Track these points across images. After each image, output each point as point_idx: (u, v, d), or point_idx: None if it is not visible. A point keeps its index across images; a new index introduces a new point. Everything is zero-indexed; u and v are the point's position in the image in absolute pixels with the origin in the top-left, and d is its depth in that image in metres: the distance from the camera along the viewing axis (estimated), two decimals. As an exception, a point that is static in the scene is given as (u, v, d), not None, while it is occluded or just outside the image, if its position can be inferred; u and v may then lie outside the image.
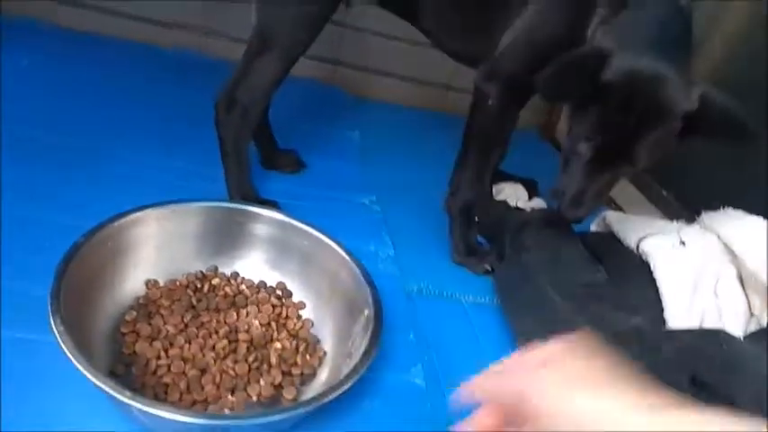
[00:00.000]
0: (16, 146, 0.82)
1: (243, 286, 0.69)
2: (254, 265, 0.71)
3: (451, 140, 0.91)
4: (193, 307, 0.64)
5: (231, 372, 0.58)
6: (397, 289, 0.78)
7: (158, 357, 0.58)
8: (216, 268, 0.70)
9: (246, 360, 0.60)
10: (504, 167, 1.08)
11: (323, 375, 0.62)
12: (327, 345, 0.66)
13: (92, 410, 0.52)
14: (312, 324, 0.67)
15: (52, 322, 0.48)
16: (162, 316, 0.63)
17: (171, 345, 0.60)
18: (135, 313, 0.62)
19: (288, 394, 0.59)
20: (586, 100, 0.67)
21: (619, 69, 0.65)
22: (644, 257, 0.81)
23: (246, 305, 0.67)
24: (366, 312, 0.61)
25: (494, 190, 1.02)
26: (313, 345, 0.65)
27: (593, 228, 0.90)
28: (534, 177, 1.07)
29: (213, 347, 0.60)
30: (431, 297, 0.81)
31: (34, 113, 0.91)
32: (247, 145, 0.83)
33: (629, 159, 0.69)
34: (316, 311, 0.68)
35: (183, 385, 0.56)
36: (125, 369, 0.57)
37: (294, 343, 0.64)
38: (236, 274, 0.70)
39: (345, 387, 0.52)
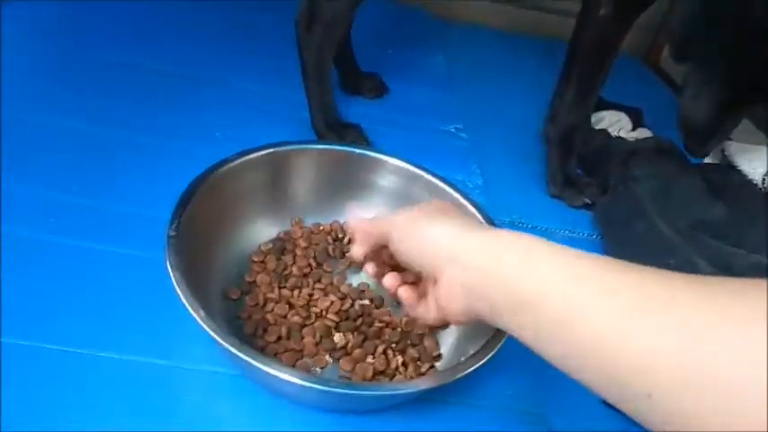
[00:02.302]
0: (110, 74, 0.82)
1: None
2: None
3: (545, 65, 0.83)
4: (329, 255, 0.62)
5: (336, 333, 0.54)
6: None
7: (272, 291, 0.57)
8: None
9: (359, 328, 0.56)
10: (605, 94, 0.99)
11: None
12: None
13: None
14: None
15: (166, 257, 0.46)
16: (294, 255, 0.61)
17: (286, 284, 0.58)
18: (271, 246, 0.61)
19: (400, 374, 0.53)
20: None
21: None
22: (771, 193, 0.72)
23: None
24: None
25: (593, 118, 0.93)
26: (433, 343, 0.56)
27: (707, 159, 0.81)
28: (637, 106, 0.98)
29: (327, 304, 0.56)
30: (523, 230, 0.74)
31: (129, 41, 0.90)
32: (330, 66, 0.78)
33: None
34: None
35: (284, 329, 0.53)
36: (239, 295, 0.56)
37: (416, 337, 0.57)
38: None
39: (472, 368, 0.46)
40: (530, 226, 0.75)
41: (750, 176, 0.74)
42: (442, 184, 0.62)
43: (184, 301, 0.43)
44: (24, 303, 0.50)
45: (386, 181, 0.64)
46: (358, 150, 0.64)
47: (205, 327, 0.42)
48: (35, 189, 0.61)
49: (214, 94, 0.84)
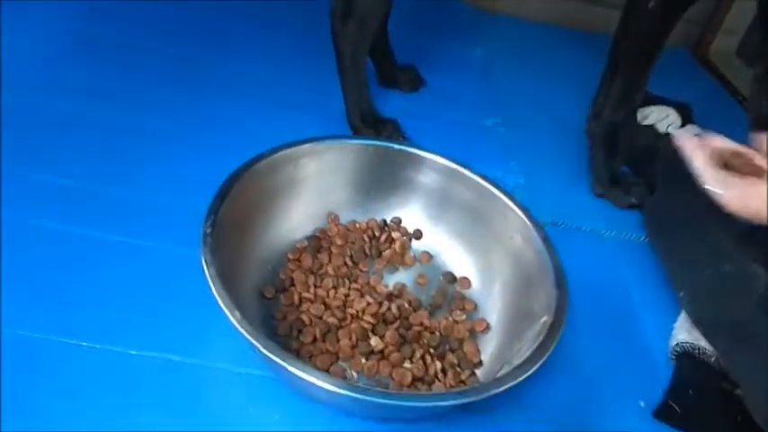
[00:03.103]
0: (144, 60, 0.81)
1: (416, 250, 0.62)
2: (413, 216, 0.63)
3: (587, 59, 0.80)
4: (365, 254, 0.60)
5: (373, 336, 0.52)
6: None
7: (307, 290, 0.55)
8: (400, 221, 0.63)
9: (397, 331, 0.53)
10: (652, 89, 0.95)
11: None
12: (492, 323, 0.56)
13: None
14: (476, 307, 0.58)
15: (201, 254, 0.45)
16: (330, 254, 0.59)
17: (321, 284, 0.56)
18: (306, 243, 0.59)
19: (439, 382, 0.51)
20: None
21: None
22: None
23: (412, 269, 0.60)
24: (544, 316, 0.49)
25: (639, 114, 0.89)
26: (473, 348, 0.54)
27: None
28: (686, 101, 0.93)
29: (363, 305, 0.54)
30: (566, 231, 0.71)
31: (159, 26, 0.89)
32: (365, 59, 0.76)
33: None
34: (481, 284, 0.59)
35: (318, 330, 0.51)
36: (274, 293, 0.54)
37: (454, 343, 0.54)
38: (418, 233, 0.63)
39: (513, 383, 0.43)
40: (573, 227, 0.72)
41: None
42: (484, 183, 0.60)
43: (220, 301, 0.42)
44: (53, 298, 0.50)
45: (427, 178, 0.62)
46: (397, 146, 0.62)
47: (240, 329, 0.41)
48: (65, 181, 0.61)
49: (247, 86, 0.83)
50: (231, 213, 0.50)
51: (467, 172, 0.60)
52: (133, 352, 0.47)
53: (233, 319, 0.41)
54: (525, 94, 0.98)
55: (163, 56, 0.84)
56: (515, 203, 0.58)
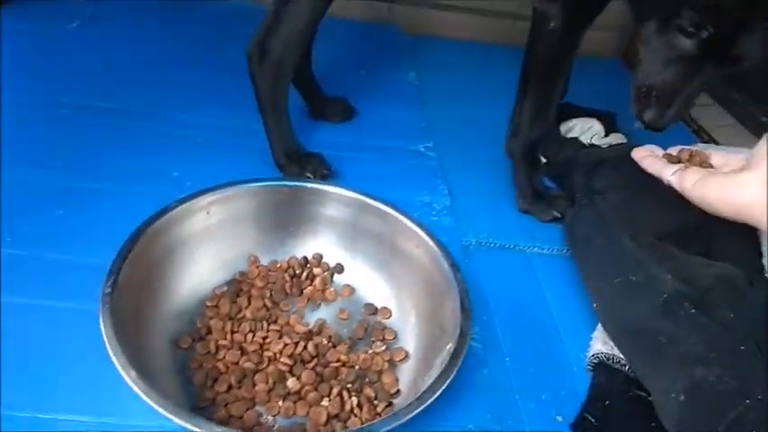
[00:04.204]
0: (62, 114, 0.81)
1: (338, 284, 0.64)
2: (332, 251, 0.65)
3: (517, 76, 0.82)
4: (286, 293, 0.61)
5: (290, 377, 0.53)
6: (452, 242, 0.71)
7: (224, 337, 0.55)
8: (321, 257, 0.64)
9: (314, 370, 0.54)
10: (583, 99, 0.97)
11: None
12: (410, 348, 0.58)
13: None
14: (396, 336, 0.59)
15: (99, 315, 0.46)
16: (249, 297, 0.60)
17: (238, 329, 0.56)
18: (225, 288, 0.60)
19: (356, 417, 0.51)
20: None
21: None
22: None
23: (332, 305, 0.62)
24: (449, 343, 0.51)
25: (563, 127, 0.91)
26: (391, 379, 0.55)
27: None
28: (615, 110, 0.96)
29: (280, 347, 0.55)
30: (491, 249, 0.73)
31: (83, 76, 0.90)
32: (286, 97, 0.77)
33: (734, 56, 0.57)
34: (400, 313, 0.61)
35: (234, 378, 0.52)
36: (190, 343, 0.55)
37: (374, 369, 0.56)
38: (340, 267, 0.64)
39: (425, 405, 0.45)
40: (498, 245, 0.74)
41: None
42: (392, 211, 0.61)
43: (114, 360, 0.43)
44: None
45: (338, 212, 0.64)
46: (307, 184, 0.64)
47: (134, 387, 0.41)
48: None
49: (170, 133, 0.83)
50: (136, 270, 0.50)
51: (373, 202, 0.62)
52: (41, 416, 0.48)
53: (127, 377, 0.42)
54: (458, 116, 1.00)
55: (80, 109, 0.83)
56: (423, 229, 0.59)
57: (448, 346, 0.50)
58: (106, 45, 0.99)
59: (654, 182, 0.72)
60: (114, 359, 0.43)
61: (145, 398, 0.41)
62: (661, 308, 0.55)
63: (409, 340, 0.58)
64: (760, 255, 0.64)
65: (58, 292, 0.57)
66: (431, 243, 0.58)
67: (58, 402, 0.49)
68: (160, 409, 0.40)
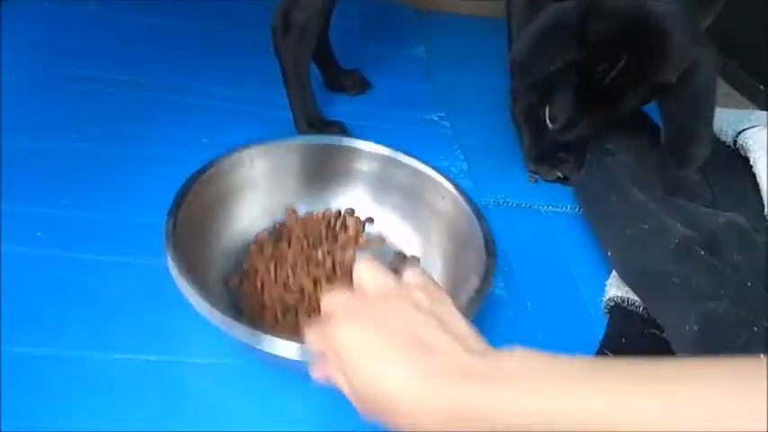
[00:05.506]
0: (93, 89, 0.84)
1: (369, 234, 0.68)
2: (364, 204, 0.69)
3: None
4: (322, 241, 0.65)
5: None
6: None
7: (268, 275, 0.60)
8: (353, 211, 0.69)
9: None
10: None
11: None
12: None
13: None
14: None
15: (166, 248, 0.50)
16: (289, 242, 0.64)
17: (281, 269, 0.61)
18: (268, 235, 0.65)
19: None
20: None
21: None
22: (742, 152, 0.74)
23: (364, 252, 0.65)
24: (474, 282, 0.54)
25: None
26: None
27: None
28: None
29: (318, 280, 0.60)
30: (508, 209, 0.78)
31: (105, 56, 0.93)
32: (308, 68, 0.81)
33: (604, 111, 0.65)
34: (426, 261, 0.65)
35: (279, 310, 0.56)
36: (239, 282, 0.59)
37: None
38: (371, 219, 0.69)
39: None
40: (514, 204, 0.78)
41: (722, 138, 0.76)
42: (419, 165, 0.66)
43: (182, 287, 0.47)
44: (30, 315, 0.54)
45: (366, 166, 0.68)
46: (338, 141, 0.68)
47: (201, 303, 0.46)
48: (30, 208, 0.64)
49: (196, 103, 0.86)
50: (192, 213, 0.55)
51: (402, 156, 0.66)
52: (115, 356, 0.52)
53: (203, 309, 0.46)
54: (467, 87, 1.04)
55: (108, 83, 0.86)
56: (449, 181, 0.64)
57: (474, 284, 0.54)
58: (124, 24, 1.02)
59: (659, 144, 0.77)
60: (188, 294, 0.47)
61: (227, 325, 0.45)
62: (672, 252, 0.60)
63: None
64: (762, 205, 0.68)
65: (115, 249, 0.62)
66: (456, 193, 0.63)
67: (124, 343, 0.53)
68: (243, 330, 0.45)
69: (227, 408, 0.50)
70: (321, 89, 0.94)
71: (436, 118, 0.94)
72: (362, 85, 0.97)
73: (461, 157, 0.85)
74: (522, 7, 0.76)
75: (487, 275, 0.53)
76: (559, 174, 0.81)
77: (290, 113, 0.81)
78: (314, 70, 0.90)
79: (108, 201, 0.67)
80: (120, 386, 0.50)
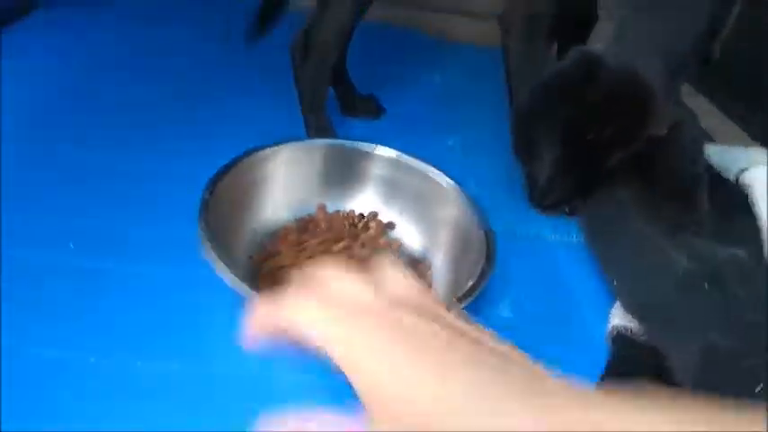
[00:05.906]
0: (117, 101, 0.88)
1: (389, 237, 0.72)
2: (386, 210, 0.74)
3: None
4: (343, 237, 0.69)
5: None
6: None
7: (290, 257, 0.64)
8: (376, 214, 0.73)
9: None
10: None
11: None
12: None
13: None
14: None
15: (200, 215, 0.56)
16: (313, 234, 0.68)
17: (302, 254, 0.65)
18: (294, 225, 0.69)
19: None
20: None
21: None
22: (744, 190, 0.76)
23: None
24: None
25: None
26: None
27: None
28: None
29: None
30: (516, 238, 0.79)
31: (124, 70, 0.96)
32: (326, 92, 0.84)
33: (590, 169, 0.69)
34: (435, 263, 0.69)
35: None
36: (261, 260, 0.64)
37: None
38: (392, 225, 0.73)
39: None
40: (522, 234, 0.80)
41: (726, 176, 0.78)
42: (432, 173, 0.72)
43: (208, 250, 0.52)
44: (62, 322, 0.56)
45: (383, 171, 0.74)
46: (357, 146, 0.74)
47: (218, 263, 0.51)
48: (52, 221, 0.68)
49: (219, 126, 0.90)
50: (220, 200, 0.60)
51: (418, 164, 0.73)
52: (138, 363, 0.54)
53: (226, 275, 0.51)
54: (480, 116, 1.06)
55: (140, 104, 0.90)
56: (459, 190, 0.70)
57: (469, 282, 0.58)
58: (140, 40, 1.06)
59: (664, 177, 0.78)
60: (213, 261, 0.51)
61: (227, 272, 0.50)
62: (677, 284, 0.61)
63: (438, 287, 0.66)
64: (761, 245, 0.70)
65: (142, 259, 0.65)
66: (464, 203, 0.68)
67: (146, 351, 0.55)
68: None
69: (251, 418, 0.51)
70: (335, 111, 0.96)
71: (450, 144, 0.97)
72: (377, 111, 0.99)
73: (472, 183, 0.87)
74: (521, 59, 0.79)
75: (481, 279, 0.57)
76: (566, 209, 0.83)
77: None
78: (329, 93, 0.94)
79: (135, 214, 0.71)
80: (144, 392, 0.52)
